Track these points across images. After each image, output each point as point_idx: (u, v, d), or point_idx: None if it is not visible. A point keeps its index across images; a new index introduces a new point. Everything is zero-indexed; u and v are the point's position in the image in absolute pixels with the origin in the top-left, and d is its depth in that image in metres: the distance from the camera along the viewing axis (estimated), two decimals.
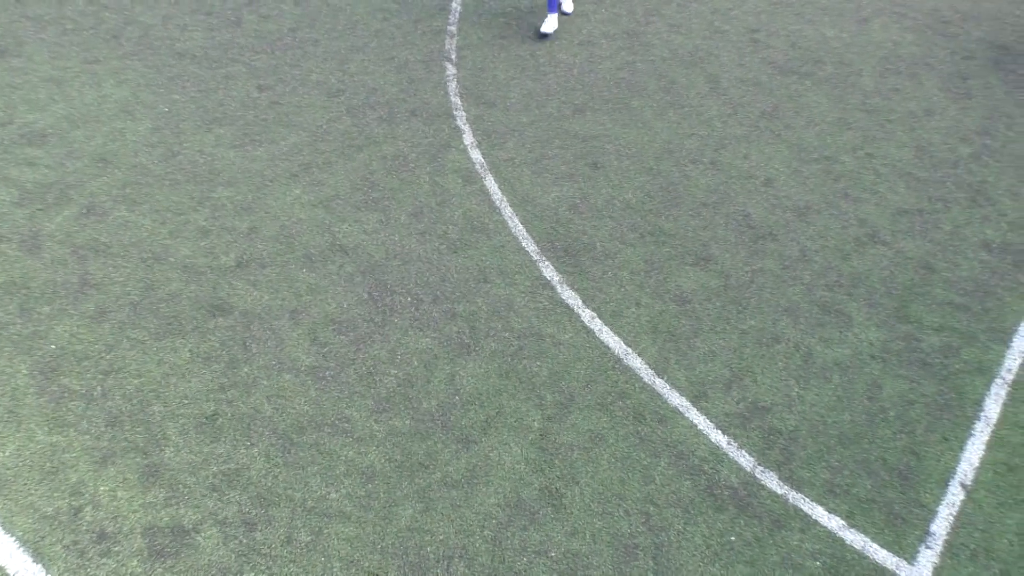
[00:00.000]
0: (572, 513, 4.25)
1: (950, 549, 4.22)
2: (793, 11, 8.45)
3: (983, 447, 4.67)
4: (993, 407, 4.87)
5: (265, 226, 5.70)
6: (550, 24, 7.65)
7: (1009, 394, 4.95)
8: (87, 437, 4.44)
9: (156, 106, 6.60)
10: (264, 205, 5.85)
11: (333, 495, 4.26)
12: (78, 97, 6.63)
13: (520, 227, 5.79)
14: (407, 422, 4.59)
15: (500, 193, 6.04)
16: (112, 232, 5.58)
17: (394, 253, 5.55)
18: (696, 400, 4.77)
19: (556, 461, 4.46)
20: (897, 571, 4.14)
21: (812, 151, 6.71)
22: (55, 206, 5.75)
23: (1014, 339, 5.29)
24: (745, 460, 4.51)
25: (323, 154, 6.28)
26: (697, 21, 8.13)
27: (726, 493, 4.37)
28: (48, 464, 4.32)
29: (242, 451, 4.43)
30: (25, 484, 4.24)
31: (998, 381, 5.02)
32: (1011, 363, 5.14)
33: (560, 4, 7.74)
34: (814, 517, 4.31)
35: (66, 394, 4.63)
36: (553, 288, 5.37)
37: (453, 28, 7.70)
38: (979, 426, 4.76)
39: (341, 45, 7.37)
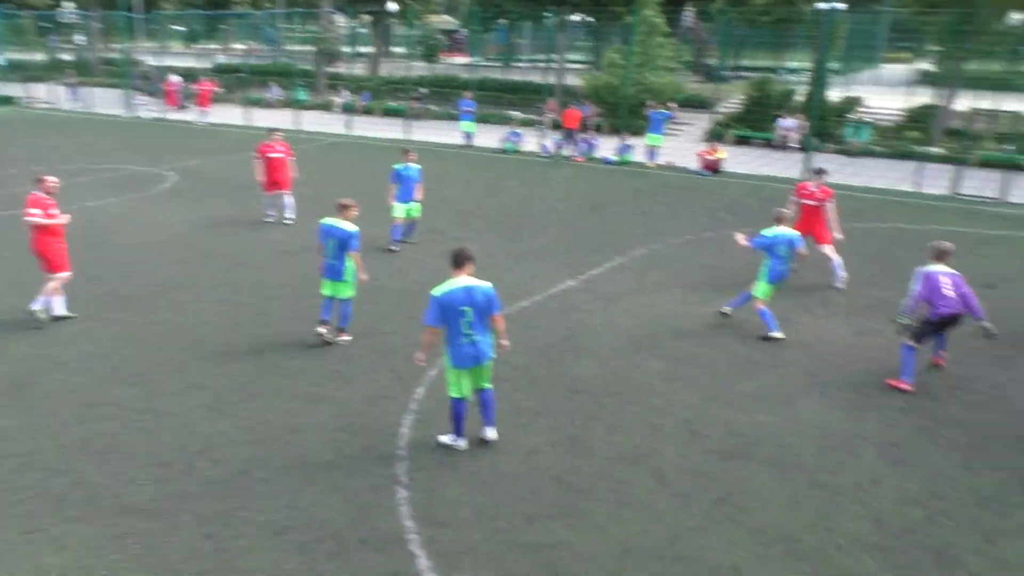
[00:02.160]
0: None
1: None
2: (722, 401, 8.98)
3: None
4: None
5: None
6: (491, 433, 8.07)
7: None
8: None
9: (94, 571, 6.33)
10: None
11: None
12: (12, 573, 6.35)
13: None
14: None
15: None
16: None
17: None
18: None
19: None
20: None
21: (771, 532, 6.64)
22: None
23: None
24: None
25: None
26: (634, 421, 8.55)
27: None
28: None
29: None
30: None
31: None
32: None
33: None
34: None
35: None
36: None
37: (403, 452, 7.92)
38: None
39: (292, 480, 7.45)
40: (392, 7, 42.04)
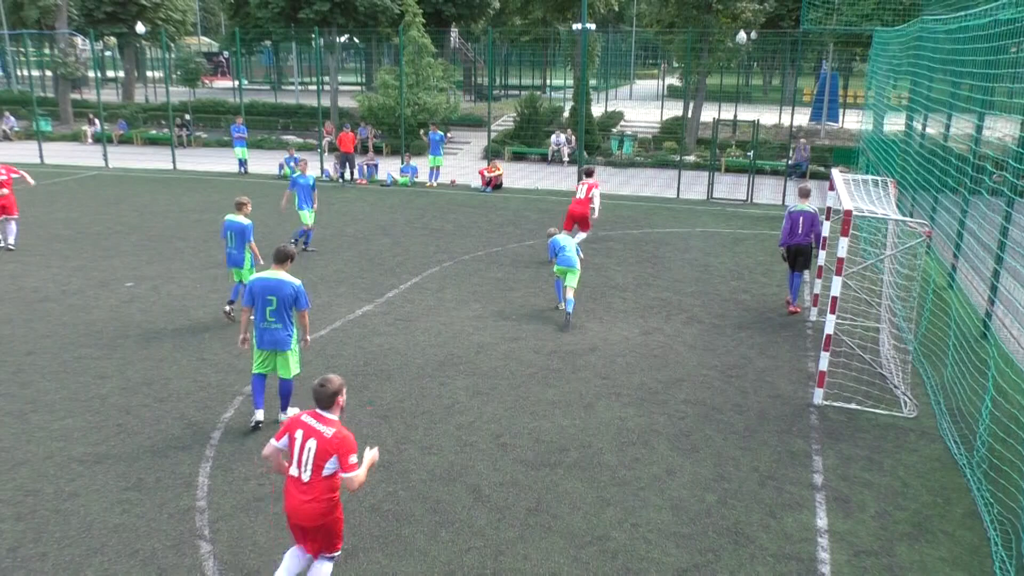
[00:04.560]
0: None
1: None
2: (527, 410, 9.24)
3: None
4: None
5: None
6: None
7: None
8: None
9: None
10: None
11: None
12: None
13: None
14: None
15: None
16: None
17: None
18: None
19: None
20: None
21: (584, 535, 6.90)
22: None
23: None
24: None
25: None
26: (446, 439, 8.56)
27: None
28: None
29: None
30: None
31: None
32: None
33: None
34: None
35: None
36: None
37: (203, 503, 7.38)
38: None
39: (75, 552, 6.68)
40: (141, 29, 39.28)
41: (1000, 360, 9.25)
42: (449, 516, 7.18)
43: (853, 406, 9.42)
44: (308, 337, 8.81)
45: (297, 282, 8.45)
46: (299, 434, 5.60)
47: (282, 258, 8.50)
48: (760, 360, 10.89)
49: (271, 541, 6.81)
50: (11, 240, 16.43)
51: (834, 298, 9.20)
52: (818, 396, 9.52)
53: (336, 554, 5.91)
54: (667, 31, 32.47)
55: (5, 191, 16.26)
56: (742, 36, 31.30)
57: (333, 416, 5.69)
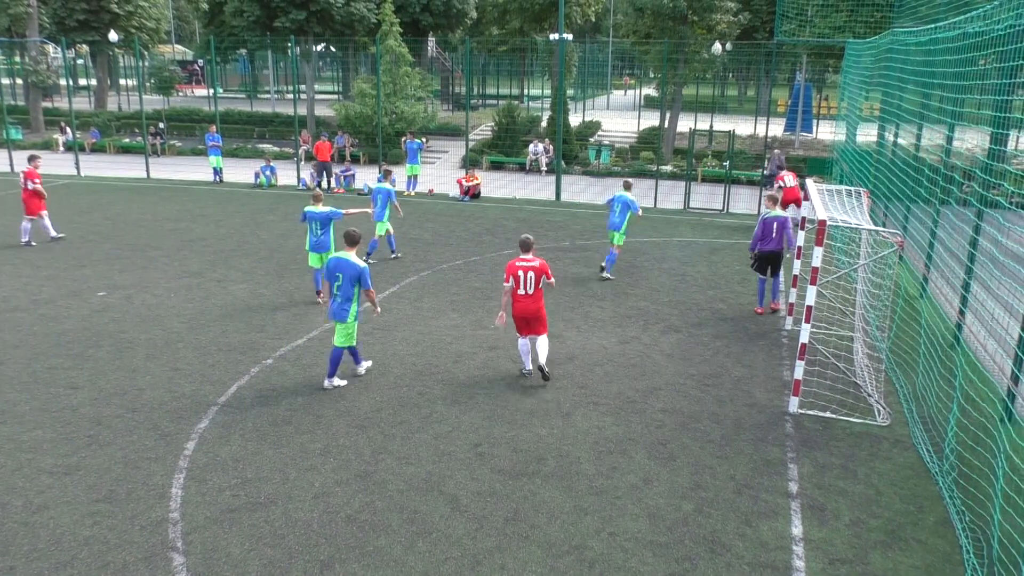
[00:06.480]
0: None
1: None
2: (505, 420, 9.22)
3: None
4: None
5: None
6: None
7: None
8: None
9: None
10: None
11: None
12: None
13: None
14: None
15: None
16: None
17: None
18: None
19: None
20: None
21: (561, 544, 6.89)
22: None
23: None
24: None
25: None
26: (423, 449, 8.52)
27: None
28: None
29: None
30: None
31: None
32: None
33: None
34: None
35: None
36: None
37: (176, 515, 7.27)
38: None
39: (44, 566, 6.56)
40: (114, 37, 38.91)
41: (968, 369, 9.37)
42: (426, 526, 7.13)
43: (828, 415, 9.50)
44: (378, 308, 10.42)
45: (363, 264, 9.72)
46: (520, 272, 9.89)
47: (352, 241, 9.77)
48: (736, 369, 10.96)
49: (245, 552, 6.73)
50: (53, 232, 17.73)
51: (809, 307, 9.29)
52: (793, 405, 9.59)
53: (546, 333, 10.33)
54: (643, 42, 32.73)
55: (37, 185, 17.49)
56: (717, 47, 31.61)
57: (532, 255, 10.04)
